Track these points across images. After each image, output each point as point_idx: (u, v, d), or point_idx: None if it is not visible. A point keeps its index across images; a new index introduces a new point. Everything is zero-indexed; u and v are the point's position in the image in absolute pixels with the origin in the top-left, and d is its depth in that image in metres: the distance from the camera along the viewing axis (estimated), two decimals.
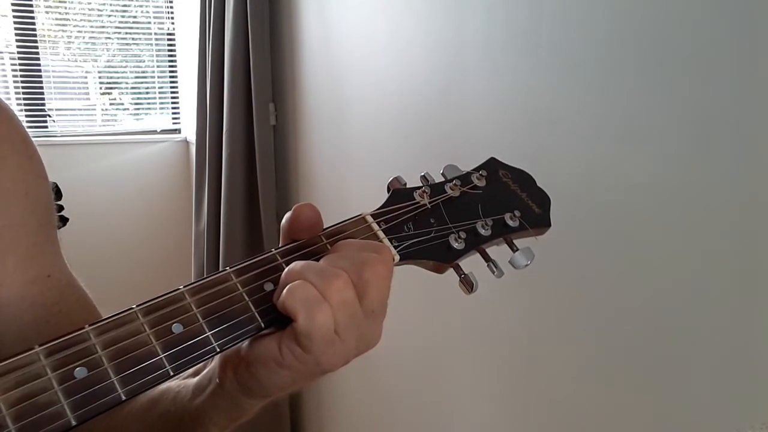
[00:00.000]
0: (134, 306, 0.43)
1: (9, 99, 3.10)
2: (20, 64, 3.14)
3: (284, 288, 0.43)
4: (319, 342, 0.42)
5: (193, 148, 2.87)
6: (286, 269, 0.44)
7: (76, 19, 3.31)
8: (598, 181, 0.97)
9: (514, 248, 0.51)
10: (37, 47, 3.16)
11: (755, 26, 0.73)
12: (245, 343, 0.45)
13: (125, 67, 3.45)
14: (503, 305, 1.19)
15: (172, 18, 3.45)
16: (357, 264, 0.43)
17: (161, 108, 3.54)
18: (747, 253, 0.76)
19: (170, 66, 3.49)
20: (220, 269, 0.45)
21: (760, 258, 0.75)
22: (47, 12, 3.22)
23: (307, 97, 2.07)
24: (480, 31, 1.20)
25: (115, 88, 3.48)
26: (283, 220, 0.48)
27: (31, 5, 3.13)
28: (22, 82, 3.15)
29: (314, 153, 2.06)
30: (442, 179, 0.55)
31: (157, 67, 3.48)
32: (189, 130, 3.33)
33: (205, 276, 0.45)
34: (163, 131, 3.49)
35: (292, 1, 2.10)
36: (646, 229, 0.90)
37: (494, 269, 0.50)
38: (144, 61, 3.48)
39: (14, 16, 3.11)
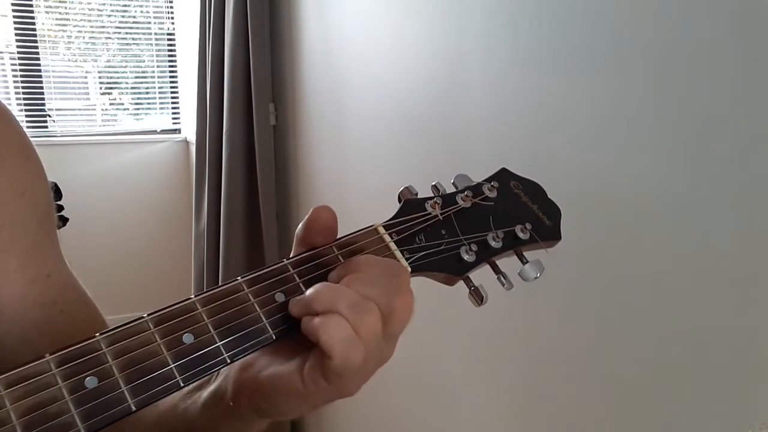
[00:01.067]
0: (145, 315, 0.43)
1: (9, 99, 3.10)
2: (20, 64, 3.14)
3: (310, 309, 0.42)
4: (348, 377, 0.42)
5: (193, 148, 2.86)
6: (314, 292, 0.43)
7: (76, 19, 3.31)
8: (601, 185, 0.97)
9: (523, 260, 0.51)
10: (37, 47, 3.16)
11: (758, 26, 0.73)
12: (261, 372, 0.45)
13: (125, 67, 3.45)
14: (505, 311, 1.19)
15: (172, 18, 3.44)
16: (387, 293, 0.43)
17: (161, 108, 3.54)
18: (747, 253, 0.76)
19: (170, 66, 3.49)
20: (231, 279, 0.45)
21: (761, 258, 0.75)
22: (47, 12, 3.21)
23: (307, 97, 2.06)
24: (481, 33, 1.20)
25: (115, 88, 3.48)
26: (300, 225, 0.48)
27: (31, 5, 3.13)
28: (22, 82, 3.15)
29: (314, 153, 2.06)
30: (453, 189, 0.55)
31: (157, 67, 3.48)
32: (189, 130, 3.33)
33: (216, 285, 0.45)
34: (163, 131, 3.49)
35: (292, 2, 2.09)
36: (648, 231, 0.90)
37: (504, 282, 0.50)
38: (144, 61, 3.48)
39: (14, 16, 3.11)
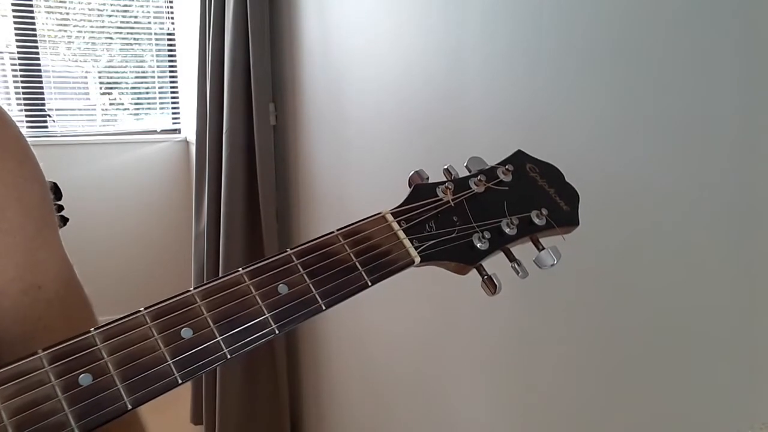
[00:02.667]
0: (142, 309, 0.41)
1: (9, 99, 3.10)
2: (20, 64, 3.13)
3: None
4: None
5: (193, 148, 2.86)
6: None
7: (76, 19, 3.30)
8: (600, 183, 0.96)
9: (539, 247, 0.49)
10: (37, 47, 3.15)
11: (759, 25, 0.71)
12: None
13: (125, 67, 3.44)
14: (503, 303, 1.18)
15: (172, 18, 3.44)
16: None
17: (161, 108, 3.53)
18: (748, 253, 0.75)
19: (170, 66, 3.48)
20: (232, 270, 0.43)
21: (761, 258, 0.74)
22: (47, 12, 3.20)
23: (307, 97, 2.05)
24: (480, 32, 1.19)
25: (115, 88, 3.47)
26: None
27: (31, 5, 3.13)
28: (22, 82, 3.14)
29: (314, 153, 2.05)
30: (466, 173, 0.52)
31: (157, 67, 3.47)
32: (189, 130, 3.32)
33: (217, 277, 0.43)
34: (163, 131, 3.49)
35: (292, 1, 2.09)
36: (648, 230, 0.89)
37: (518, 270, 0.48)
38: (144, 61, 3.47)
39: (14, 16, 3.10)
